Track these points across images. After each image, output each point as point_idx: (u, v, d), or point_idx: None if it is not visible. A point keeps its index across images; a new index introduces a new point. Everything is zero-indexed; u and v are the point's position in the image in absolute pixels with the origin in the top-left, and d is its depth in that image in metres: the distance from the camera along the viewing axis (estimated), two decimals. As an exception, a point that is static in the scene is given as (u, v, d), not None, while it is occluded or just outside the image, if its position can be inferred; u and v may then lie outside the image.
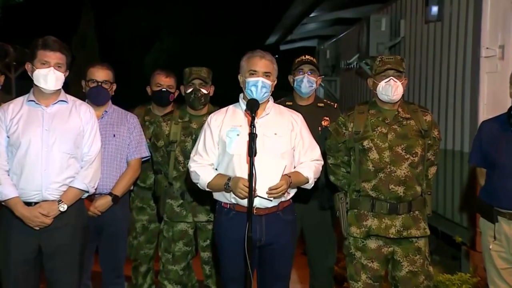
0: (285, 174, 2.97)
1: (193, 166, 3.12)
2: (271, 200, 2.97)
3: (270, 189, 2.90)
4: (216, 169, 3.11)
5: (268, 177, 2.88)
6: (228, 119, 3.12)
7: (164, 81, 4.27)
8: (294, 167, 3.11)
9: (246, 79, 3.06)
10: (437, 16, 5.56)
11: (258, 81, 3.02)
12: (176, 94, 4.30)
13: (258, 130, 2.82)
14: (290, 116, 3.18)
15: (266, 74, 3.05)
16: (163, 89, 4.25)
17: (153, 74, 4.35)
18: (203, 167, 3.09)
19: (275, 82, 3.14)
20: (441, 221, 5.43)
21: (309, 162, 3.11)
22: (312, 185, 3.13)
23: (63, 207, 3.06)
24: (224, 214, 3.10)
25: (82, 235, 3.20)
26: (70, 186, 3.10)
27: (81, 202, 3.23)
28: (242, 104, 3.12)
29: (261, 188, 2.88)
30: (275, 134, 3.06)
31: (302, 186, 3.12)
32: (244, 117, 3.10)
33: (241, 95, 3.16)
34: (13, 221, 3.05)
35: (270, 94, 3.11)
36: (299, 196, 3.23)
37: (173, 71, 4.39)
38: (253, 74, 3.04)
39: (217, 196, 3.13)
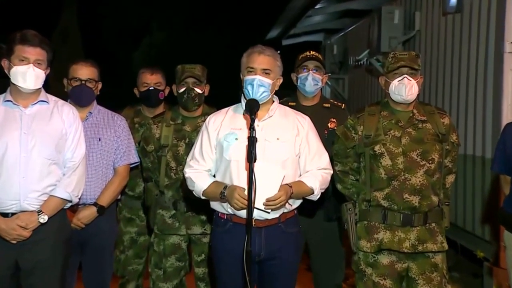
0: (286, 184, 2.96)
1: (188, 171, 3.13)
2: (268, 212, 2.97)
3: (268, 200, 2.90)
4: (214, 176, 3.12)
5: (266, 187, 2.87)
6: (227, 121, 3.13)
7: (150, 79, 4.29)
8: (300, 175, 3.11)
9: (244, 77, 3.08)
10: (456, 7, 5.58)
11: (254, 79, 3.02)
12: (166, 91, 4.31)
13: (259, 134, 2.82)
14: (296, 119, 3.17)
15: (265, 72, 3.05)
16: (150, 88, 4.27)
17: (138, 74, 4.39)
18: (199, 173, 3.10)
19: (280, 80, 3.14)
20: (461, 234, 5.44)
21: (315, 171, 3.10)
22: (318, 196, 3.12)
23: (44, 219, 3.06)
24: (220, 225, 3.11)
25: (64, 250, 3.20)
26: (51, 195, 3.10)
27: (63, 213, 3.23)
28: (244, 105, 3.12)
29: (258, 199, 2.86)
30: (278, 139, 3.06)
31: (307, 198, 3.12)
32: (244, 119, 3.10)
33: (243, 95, 3.16)
34: (-12, 234, 3.05)
35: (272, 93, 3.11)
36: (303, 208, 3.23)
37: (159, 67, 4.40)
38: (250, 71, 3.05)
39: (214, 205, 3.14)
